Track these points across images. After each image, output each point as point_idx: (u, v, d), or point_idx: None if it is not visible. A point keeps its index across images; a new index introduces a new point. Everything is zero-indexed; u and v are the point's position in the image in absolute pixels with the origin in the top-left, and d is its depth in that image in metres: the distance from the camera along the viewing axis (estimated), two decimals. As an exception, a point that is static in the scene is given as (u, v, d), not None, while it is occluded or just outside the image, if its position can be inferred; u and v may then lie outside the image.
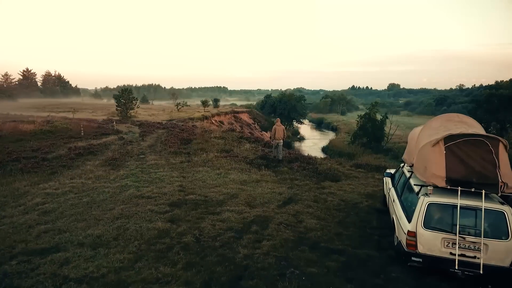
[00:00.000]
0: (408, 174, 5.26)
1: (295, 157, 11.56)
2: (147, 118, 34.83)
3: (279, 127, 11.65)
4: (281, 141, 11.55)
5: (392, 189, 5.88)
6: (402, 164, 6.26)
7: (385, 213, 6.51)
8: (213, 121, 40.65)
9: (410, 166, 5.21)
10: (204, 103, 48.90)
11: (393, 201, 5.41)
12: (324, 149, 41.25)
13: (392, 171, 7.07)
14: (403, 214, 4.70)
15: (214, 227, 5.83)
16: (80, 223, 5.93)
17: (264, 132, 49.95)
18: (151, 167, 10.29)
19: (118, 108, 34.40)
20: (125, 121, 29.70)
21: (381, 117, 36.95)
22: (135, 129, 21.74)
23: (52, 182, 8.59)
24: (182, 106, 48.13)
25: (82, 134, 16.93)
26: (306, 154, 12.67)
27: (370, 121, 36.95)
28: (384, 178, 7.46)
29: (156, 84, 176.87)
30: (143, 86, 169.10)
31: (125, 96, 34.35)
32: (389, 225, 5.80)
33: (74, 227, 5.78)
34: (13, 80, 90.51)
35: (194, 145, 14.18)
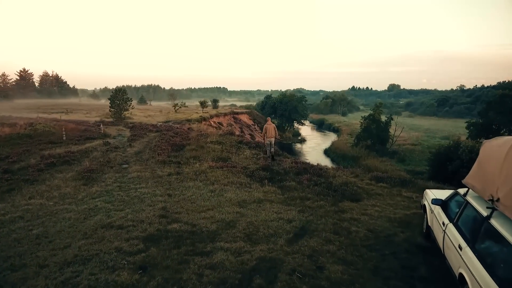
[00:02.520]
0: (484, 212, 3.57)
1: (303, 168, 9.86)
2: (142, 120, 33.16)
3: (270, 126, 11.92)
4: (273, 139, 11.81)
5: (451, 227, 4.18)
6: (463, 190, 4.55)
7: (433, 252, 4.83)
8: (212, 123, 38.96)
9: (490, 200, 3.52)
10: (203, 104, 47.15)
11: (459, 248, 3.71)
12: (326, 152, 39.61)
13: (439, 194, 5.37)
14: (487, 275, 3.02)
15: (200, 279, 4.14)
16: (13, 275, 4.23)
17: (265, 134, 48.31)
18: (132, 181, 8.60)
19: (112, 109, 32.72)
20: (118, 123, 28.04)
21: (386, 119, 35.40)
22: (125, 132, 20.05)
23: (4, 203, 6.89)
24: (180, 107, 46.41)
25: (64, 138, 15.25)
26: (316, 164, 10.96)
27: (375, 122, 35.36)
28: (424, 202, 5.77)
29: (156, 84, 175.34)
30: (142, 86, 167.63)
31: (119, 96, 32.67)
32: (447, 277, 4.12)
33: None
34: (11, 81, 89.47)
35: (187, 152, 12.48)
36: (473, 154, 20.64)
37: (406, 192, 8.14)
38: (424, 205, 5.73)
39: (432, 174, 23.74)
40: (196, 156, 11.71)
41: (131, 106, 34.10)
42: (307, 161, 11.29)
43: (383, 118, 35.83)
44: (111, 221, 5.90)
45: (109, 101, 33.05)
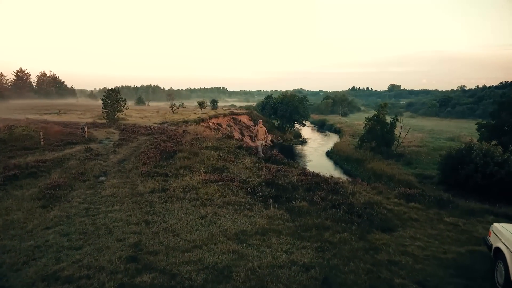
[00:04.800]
0: None
1: (314, 182, 8.16)
2: (138, 121, 31.51)
3: (260, 129, 12.42)
4: (263, 141, 12.42)
5: None
6: None
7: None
8: (210, 124, 37.32)
9: None
10: (201, 105, 45.45)
11: None
12: (328, 154, 37.97)
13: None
14: None
15: None
16: None
17: (265, 135, 46.70)
18: (105, 202, 6.91)
19: (105, 110, 31.03)
20: (111, 124, 26.38)
21: (391, 119, 33.80)
22: (114, 136, 18.39)
23: None
24: (177, 108, 44.73)
25: (42, 143, 13.57)
26: (329, 176, 9.25)
27: (379, 123, 33.76)
28: (497, 243, 4.11)
29: (155, 85, 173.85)
30: (142, 87, 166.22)
31: (112, 96, 30.98)
32: None
33: None
34: (8, 81, 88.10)
35: (178, 160, 10.80)
36: (488, 158, 19.10)
37: (448, 217, 6.45)
38: (497, 247, 4.07)
39: (443, 178, 22.17)
40: (187, 165, 10.03)
41: (125, 107, 32.39)
42: (318, 172, 9.60)
43: (388, 119, 34.24)
44: (59, 269, 4.22)
45: (102, 102, 31.38)
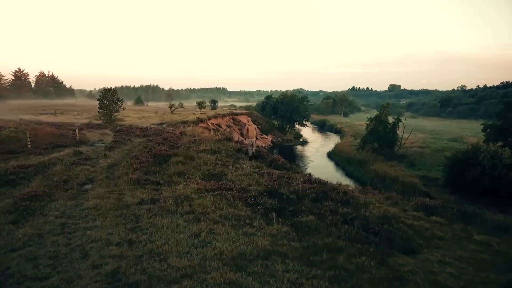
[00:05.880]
0: None
1: (321, 192, 7.33)
2: (135, 122, 30.72)
3: (251, 127, 12.32)
4: (254, 139, 12.27)
5: None
6: None
7: None
8: (210, 124, 36.51)
9: None
10: (200, 105, 44.60)
11: None
12: (329, 155, 37.22)
13: None
14: None
15: None
16: None
17: (265, 136, 45.79)
18: (85, 216, 6.09)
19: (101, 111, 30.21)
20: (106, 125, 25.56)
21: (394, 120, 33.01)
22: (108, 138, 17.58)
23: None
24: (176, 108, 43.90)
25: (29, 146, 12.77)
26: (337, 184, 8.42)
27: (382, 124, 32.97)
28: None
29: (155, 85, 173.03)
30: (141, 87, 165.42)
31: (109, 97, 30.17)
32: None
33: None
34: (6, 81, 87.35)
35: (172, 165, 9.97)
36: (496, 160, 18.34)
37: (478, 234, 5.62)
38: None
39: (448, 181, 21.44)
40: (182, 171, 9.20)
41: (121, 107, 31.56)
42: (325, 179, 8.77)
43: (391, 119, 33.46)
44: (14, 310, 3.41)
45: (98, 102, 30.57)
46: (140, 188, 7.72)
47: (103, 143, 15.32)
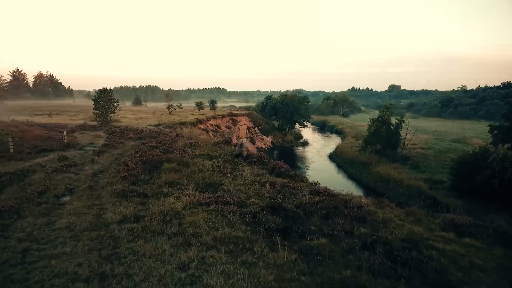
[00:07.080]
0: None
1: (332, 206, 6.36)
2: (132, 123, 29.74)
3: (242, 127, 12.46)
4: (245, 139, 12.35)
5: None
6: None
7: None
8: (209, 125, 35.53)
9: None
10: (199, 105, 43.63)
11: None
12: (331, 156, 36.35)
13: None
14: None
15: None
16: None
17: (265, 137, 44.81)
18: (54, 239, 5.10)
19: (96, 111, 29.24)
20: (101, 127, 24.60)
21: (396, 121, 32.10)
22: (100, 140, 16.60)
23: None
24: (174, 109, 42.93)
25: (11, 151, 11.80)
26: (348, 197, 7.45)
27: (384, 125, 32.04)
28: None
29: (154, 85, 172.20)
30: (140, 87, 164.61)
31: (104, 97, 29.20)
32: None
33: None
34: (4, 81, 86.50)
35: (164, 173, 8.99)
36: (506, 163, 17.47)
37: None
38: None
39: (455, 184, 20.53)
40: (174, 180, 8.23)
41: (117, 108, 30.58)
42: (334, 190, 7.80)
43: (394, 120, 32.54)
44: None
45: (93, 102, 29.61)
46: (124, 201, 6.74)
47: (93, 147, 14.36)
